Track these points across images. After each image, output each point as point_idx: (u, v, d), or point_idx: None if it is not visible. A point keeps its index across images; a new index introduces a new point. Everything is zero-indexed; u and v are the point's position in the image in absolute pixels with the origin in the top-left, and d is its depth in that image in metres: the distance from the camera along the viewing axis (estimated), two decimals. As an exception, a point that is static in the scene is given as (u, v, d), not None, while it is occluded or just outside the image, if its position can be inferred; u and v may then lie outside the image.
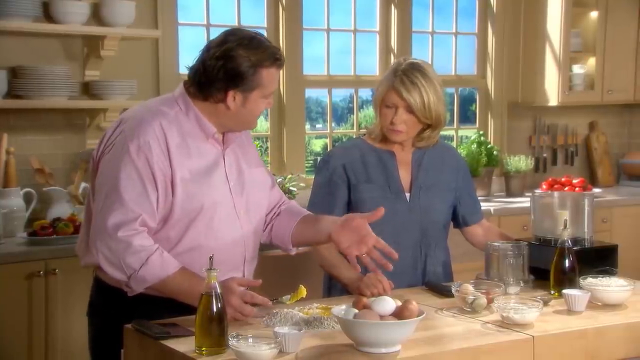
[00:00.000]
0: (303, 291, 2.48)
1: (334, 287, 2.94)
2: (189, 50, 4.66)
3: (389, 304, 2.17)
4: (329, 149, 5.24)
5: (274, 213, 2.75)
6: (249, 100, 2.48)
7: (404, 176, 2.97)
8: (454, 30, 5.65)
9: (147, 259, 2.37)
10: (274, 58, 2.48)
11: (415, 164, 2.99)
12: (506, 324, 2.36)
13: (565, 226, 2.70)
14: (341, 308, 2.19)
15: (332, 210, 2.91)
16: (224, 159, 2.56)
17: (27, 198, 3.98)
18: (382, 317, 2.12)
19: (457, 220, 3.10)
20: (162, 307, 2.42)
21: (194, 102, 2.51)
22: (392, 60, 5.26)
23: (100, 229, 2.40)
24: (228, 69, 2.44)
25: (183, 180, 2.44)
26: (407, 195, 2.95)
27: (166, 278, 2.39)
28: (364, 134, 3.06)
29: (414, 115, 2.87)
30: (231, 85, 2.45)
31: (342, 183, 2.94)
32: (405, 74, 2.86)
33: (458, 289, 2.54)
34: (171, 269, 2.40)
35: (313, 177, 3.07)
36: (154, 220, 2.43)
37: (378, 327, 2.08)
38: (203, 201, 2.46)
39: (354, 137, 3.09)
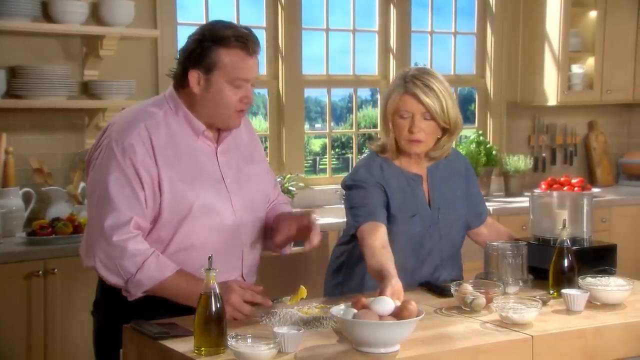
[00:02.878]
0: (303, 292, 2.47)
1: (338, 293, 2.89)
2: (188, 50, 4.66)
3: (388, 304, 2.16)
4: (328, 149, 5.25)
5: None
6: (211, 83, 2.46)
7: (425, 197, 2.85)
8: (453, 30, 5.65)
9: (142, 263, 2.37)
10: (236, 39, 2.44)
11: (430, 182, 2.86)
12: (505, 323, 2.36)
13: (564, 226, 2.70)
14: (340, 308, 2.19)
15: (373, 206, 2.74)
16: (217, 157, 2.56)
17: (26, 198, 3.98)
18: (381, 317, 2.12)
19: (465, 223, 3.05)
20: (164, 307, 2.42)
21: (180, 99, 2.52)
22: (392, 60, 5.26)
23: (96, 235, 2.41)
24: (189, 47, 2.47)
25: (171, 180, 2.44)
26: (430, 219, 2.84)
27: (163, 281, 2.39)
28: (374, 151, 2.86)
29: (433, 121, 2.74)
30: (189, 63, 2.46)
31: (376, 189, 2.76)
32: (417, 78, 2.72)
33: (457, 288, 2.54)
34: (168, 272, 2.40)
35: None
36: (146, 220, 2.43)
37: (377, 327, 2.08)
38: (193, 200, 2.46)
39: (374, 155, 2.87)
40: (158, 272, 2.39)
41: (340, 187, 3.00)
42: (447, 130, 2.80)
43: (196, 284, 2.22)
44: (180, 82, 2.51)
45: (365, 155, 2.94)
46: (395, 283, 2.39)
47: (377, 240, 2.66)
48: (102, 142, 2.48)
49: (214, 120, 2.52)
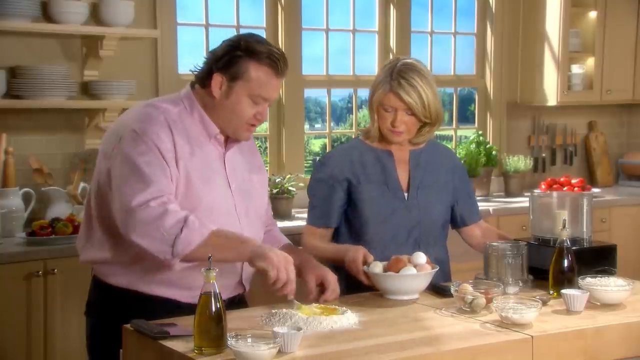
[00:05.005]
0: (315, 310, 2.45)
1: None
2: (188, 50, 4.66)
3: (423, 257, 2.68)
4: (327, 149, 5.25)
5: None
6: (232, 91, 2.47)
7: (402, 175, 2.99)
8: (453, 30, 5.65)
9: (185, 219, 2.32)
10: (268, 56, 2.46)
11: (412, 163, 3.01)
12: (505, 323, 2.36)
13: (564, 226, 2.70)
14: (377, 266, 2.66)
15: (330, 211, 2.94)
16: (224, 162, 2.56)
17: (26, 198, 3.98)
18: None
19: (455, 220, 3.11)
20: (160, 307, 2.42)
21: (196, 98, 2.53)
22: (391, 60, 5.26)
23: (131, 210, 2.33)
24: (221, 51, 2.48)
25: (187, 175, 2.44)
26: (405, 194, 2.97)
27: (209, 236, 2.33)
28: (360, 135, 3.07)
29: (414, 116, 2.89)
30: (216, 66, 2.47)
31: (338, 187, 2.94)
32: (402, 75, 2.86)
33: (457, 288, 2.54)
34: (209, 227, 2.35)
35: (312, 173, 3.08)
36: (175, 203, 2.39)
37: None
38: (202, 199, 2.46)
39: (352, 138, 3.06)
40: (202, 226, 2.34)
41: None
42: (431, 122, 2.95)
43: (237, 238, 2.33)
44: (202, 81, 2.52)
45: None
46: (357, 247, 2.76)
47: (323, 238, 2.95)
48: (125, 133, 2.43)
49: (224, 127, 2.53)
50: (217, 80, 2.47)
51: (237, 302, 2.61)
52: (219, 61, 2.47)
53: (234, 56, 2.46)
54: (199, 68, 2.55)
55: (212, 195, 2.48)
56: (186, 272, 2.43)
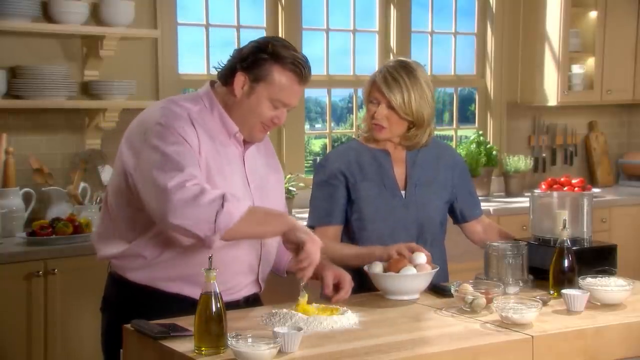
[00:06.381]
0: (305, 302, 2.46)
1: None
2: (188, 50, 4.67)
3: (423, 257, 2.69)
4: (328, 149, 5.25)
5: None
6: (254, 91, 2.48)
7: (399, 174, 3.00)
8: (453, 30, 5.65)
9: (223, 195, 2.31)
10: (292, 62, 2.47)
11: (409, 162, 3.02)
12: (505, 324, 2.36)
13: (564, 226, 2.70)
14: (377, 265, 2.67)
15: (333, 211, 2.95)
16: (243, 161, 2.57)
17: (26, 198, 3.98)
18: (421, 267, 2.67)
19: (456, 216, 3.12)
20: (176, 305, 2.41)
21: (217, 96, 2.53)
22: (391, 60, 5.27)
23: (168, 194, 2.30)
24: (247, 51, 2.49)
25: (209, 172, 2.45)
26: (403, 192, 2.98)
27: (248, 211, 2.33)
28: (359, 136, 3.09)
29: (395, 112, 2.89)
30: (241, 66, 2.47)
31: (339, 184, 2.96)
32: (389, 70, 2.91)
33: (457, 288, 2.54)
34: (246, 203, 2.37)
35: (312, 177, 3.09)
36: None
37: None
38: None
39: (351, 139, 3.07)
40: (241, 202, 2.35)
41: None
42: (413, 123, 2.93)
43: (274, 212, 2.41)
44: (224, 78, 2.53)
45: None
46: (389, 246, 2.77)
47: (335, 239, 2.95)
48: (151, 128, 2.41)
49: (241, 126, 2.53)
50: (240, 79, 2.48)
51: (252, 301, 2.61)
52: (244, 61, 2.48)
53: (259, 58, 2.47)
54: (223, 65, 2.55)
55: (232, 194, 2.47)
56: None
